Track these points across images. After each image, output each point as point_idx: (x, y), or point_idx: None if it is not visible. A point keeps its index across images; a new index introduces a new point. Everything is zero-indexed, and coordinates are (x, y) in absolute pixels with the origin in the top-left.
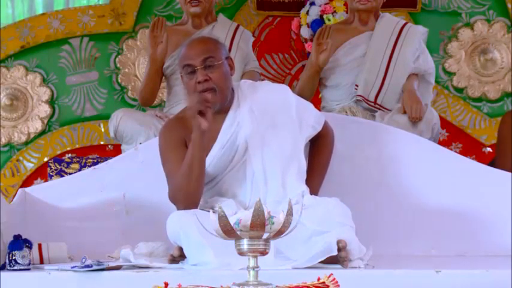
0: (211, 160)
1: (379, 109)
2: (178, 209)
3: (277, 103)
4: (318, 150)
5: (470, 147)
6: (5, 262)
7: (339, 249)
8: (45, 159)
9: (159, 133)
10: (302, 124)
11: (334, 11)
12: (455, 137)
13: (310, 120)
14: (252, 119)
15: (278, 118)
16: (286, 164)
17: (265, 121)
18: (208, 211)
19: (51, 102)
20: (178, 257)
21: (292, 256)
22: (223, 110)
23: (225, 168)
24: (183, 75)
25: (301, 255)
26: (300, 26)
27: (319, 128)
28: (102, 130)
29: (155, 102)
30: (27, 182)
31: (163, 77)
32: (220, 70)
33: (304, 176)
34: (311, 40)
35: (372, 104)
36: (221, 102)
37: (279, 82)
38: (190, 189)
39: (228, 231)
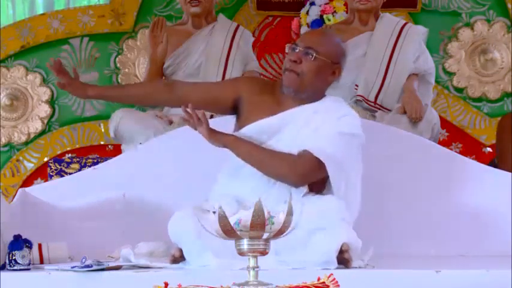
0: (248, 131)
1: (379, 109)
2: None
3: (329, 118)
4: None
5: (470, 147)
6: (5, 262)
7: (341, 252)
8: (45, 159)
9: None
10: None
11: (334, 11)
12: (455, 137)
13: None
14: (301, 126)
15: (320, 130)
16: None
17: (307, 129)
18: (209, 211)
19: (51, 102)
20: (179, 257)
21: (290, 260)
22: (296, 101)
23: None
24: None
25: (301, 261)
26: (300, 26)
27: None
28: (102, 130)
29: None
30: (27, 182)
31: (164, 77)
32: (315, 63)
33: None
34: None
35: (372, 104)
36: (297, 90)
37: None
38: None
39: (228, 231)
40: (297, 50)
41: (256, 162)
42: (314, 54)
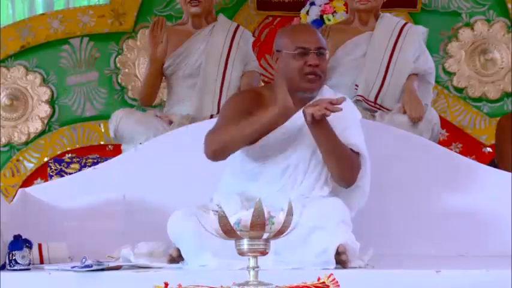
0: (274, 137)
1: (379, 109)
2: (207, 152)
3: (347, 116)
4: None
5: (470, 147)
6: (5, 262)
7: (339, 254)
8: (45, 159)
9: (229, 98)
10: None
11: (334, 11)
12: (455, 137)
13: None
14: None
15: (341, 125)
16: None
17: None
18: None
19: (51, 102)
20: (177, 257)
21: (289, 259)
22: (307, 99)
23: (281, 151)
24: (289, 55)
25: (299, 260)
26: None
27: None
28: (102, 130)
29: (155, 102)
30: (27, 182)
31: (163, 77)
32: (326, 61)
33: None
34: None
35: (372, 104)
36: (316, 90)
37: None
38: (233, 144)
39: (228, 231)
40: (310, 53)
41: (331, 150)
42: (325, 53)
